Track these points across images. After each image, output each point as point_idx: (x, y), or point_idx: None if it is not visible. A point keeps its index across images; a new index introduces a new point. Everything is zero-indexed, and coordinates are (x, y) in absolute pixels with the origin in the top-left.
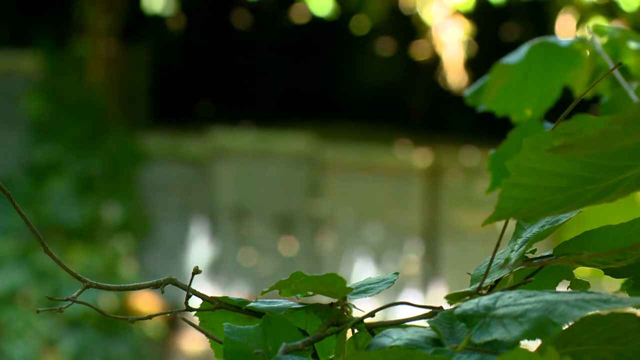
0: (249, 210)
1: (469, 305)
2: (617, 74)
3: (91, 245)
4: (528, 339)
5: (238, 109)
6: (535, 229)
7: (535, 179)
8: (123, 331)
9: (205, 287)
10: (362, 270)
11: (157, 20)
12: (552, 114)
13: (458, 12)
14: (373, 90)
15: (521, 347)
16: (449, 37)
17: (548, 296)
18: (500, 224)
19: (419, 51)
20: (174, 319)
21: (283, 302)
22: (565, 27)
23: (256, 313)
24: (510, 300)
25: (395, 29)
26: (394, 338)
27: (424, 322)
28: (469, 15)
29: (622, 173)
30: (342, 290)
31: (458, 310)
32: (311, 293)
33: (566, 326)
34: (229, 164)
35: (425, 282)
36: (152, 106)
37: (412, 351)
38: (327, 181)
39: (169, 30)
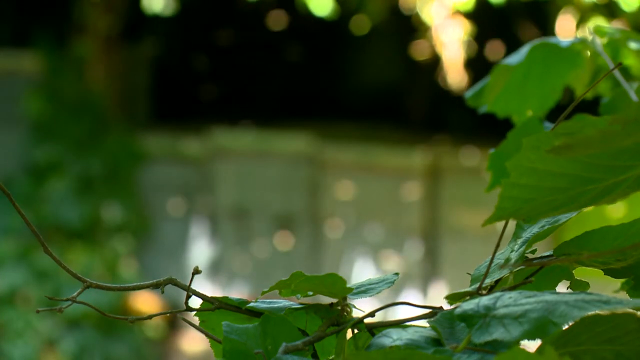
0: (249, 210)
1: (469, 305)
2: (617, 74)
3: (91, 245)
4: (528, 339)
5: (238, 109)
6: (535, 229)
7: (535, 179)
8: (123, 331)
9: (205, 287)
10: (362, 270)
11: (157, 20)
12: (553, 115)
13: (458, 12)
14: (373, 90)
15: (521, 347)
16: (449, 37)
17: (548, 296)
18: (500, 224)
19: (419, 51)
20: (174, 319)
21: (283, 302)
22: (565, 27)
23: (256, 313)
24: (510, 301)
25: (395, 29)
26: (394, 338)
27: (424, 322)
28: (469, 15)
29: (622, 173)
30: (342, 291)
31: (458, 310)
32: (311, 293)
33: (566, 326)
34: (229, 164)
35: (425, 282)
36: (152, 106)
37: (412, 351)
38: (327, 181)
39: (169, 30)
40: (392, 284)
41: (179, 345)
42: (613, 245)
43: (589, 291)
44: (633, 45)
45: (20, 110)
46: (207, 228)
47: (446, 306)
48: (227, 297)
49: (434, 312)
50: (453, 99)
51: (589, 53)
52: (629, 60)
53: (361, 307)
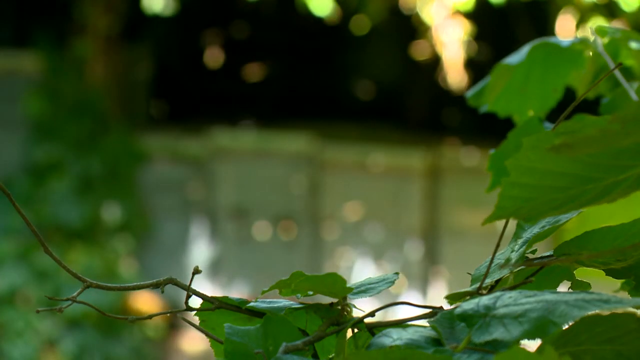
0: (249, 210)
1: (469, 305)
2: (618, 74)
3: (91, 245)
4: (528, 339)
5: (238, 109)
6: (535, 229)
7: (535, 179)
8: (123, 331)
9: (205, 287)
10: (362, 270)
11: (157, 20)
12: (554, 115)
13: (458, 12)
14: (373, 90)
15: (521, 346)
16: (449, 37)
17: (548, 296)
18: (500, 224)
19: (419, 51)
20: (174, 319)
21: (283, 302)
22: (565, 27)
23: (256, 313)
24: (510, 300)
25: (395, 29)
26: (394, 338)
27: (424, 322)
28: (469, 15)
29: (622, 173)
30: (342, 290)
31: (458, 310)
32: (311, 293)
33: (566, 326)
34: (229, 164)
35: (425, 282)
36: (152, 106)
37: (412, 351)
38: (327, 181)
39: (169, 30)
40: (392, 283)
41: (179, 345)
42: (613, 245)
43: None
44: (634, 45)
45: (20, 110)
46: (207, 228)
47: (446, 306)
48: (227, 297)
49: (434, 312)
50: (453, 99)
51: (590, 53)
52: (630, 60)
53: (361, 306)
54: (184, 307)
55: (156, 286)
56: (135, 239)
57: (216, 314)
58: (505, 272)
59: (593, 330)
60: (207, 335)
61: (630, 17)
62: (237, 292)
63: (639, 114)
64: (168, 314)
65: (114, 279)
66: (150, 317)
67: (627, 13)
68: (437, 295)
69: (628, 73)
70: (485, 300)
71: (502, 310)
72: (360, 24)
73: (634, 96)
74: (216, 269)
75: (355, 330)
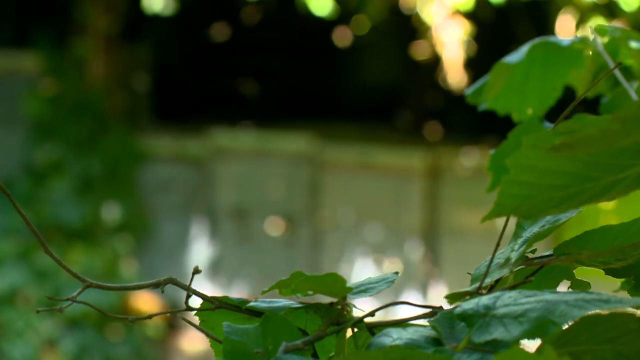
0: (249, 210)
1: (469, 304)
2: (617, 73)
3: (91, 245)
4: (528, 339)
5: (238, 109)
6: (535, 228)
7: (534, 177)
8: (123, 331)
9: (205, 287)
10: (362, 270)
11: (157, 20)
12: (553, 113)
13: (458, 12)
14: (373, 90)
15: (520, 346)
16: (449, 37)
17: (548, 296)
18: (500, 223)
19: (419, 51)
20: (174, 319)
21: (283, 302)
22: (565, 27)
23: (256, 313)
24: (510, 300)
25: (395, 29)
26: (394, 337)
27: (424, 322)
28: (469, 15)
29: (621, 172)
30: (342, 290)
31: (458, 309)
32: (311, 293)
33: (566, 326)
34: (229, 164)
35: (425, 282)
36: (152, 106)
37: (412, 350)
38: (327, 181)
39: (169, 30)
40: (392, 283)
41: (179, 345)
42: (613, 244)
43: (589, 291)
44: (634, 44)
45: (20, 110)
46: (207, 228)
47: (446, 306)
48: (227, 297)
49: (434, 312)
50: (453, 99)
51: (589, 52)
52: (630, 60)
53: (361, 306)
54: (184, 307)
55: (156, 286)
56: (135, 239)
57: (216, 313)
58: (505, 272)
59: (593, 330)
60: (207, 335)
61: (630, 17)
62: (237, 292)
63: (639, 114)
64: (168, 314)
65: (114, 279)
66: (150, 317)
67: (627, 13)
68: (437, 295)
69: (628, 72)
70: (485, 300)
71: (502, 310)
72: (360, 24)
73: (633, 96)
74: (216, 269)
75: (355, 329)
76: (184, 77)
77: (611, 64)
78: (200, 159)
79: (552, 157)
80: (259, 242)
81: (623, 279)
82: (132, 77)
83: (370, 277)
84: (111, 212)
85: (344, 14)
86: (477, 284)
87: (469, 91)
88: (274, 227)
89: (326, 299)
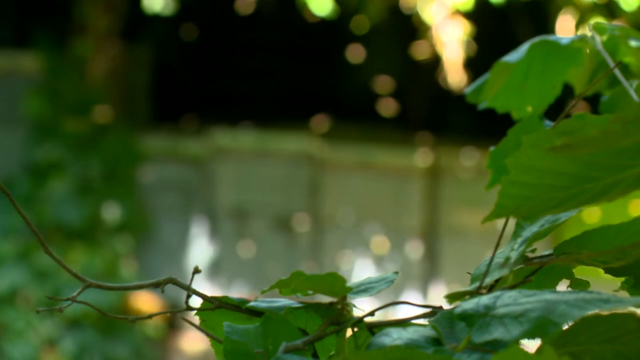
0: (249, 210)
1: (469, 304)
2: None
3: (91, 245)
4: (528, 339)
5: (238, 109)
6: (534, 228)
7: (534, 177)
8: (123, 331)
9: (205, 287)
10: (362, 270)
11: (157, 20)
12: (551, 110)
13: (458, 12)
14: (373, 90)
15: (520, 346)
16: (449, 37)
17: (548, 296)
18: (500, 223)
19: (419, 51)
20: (174, 319)
21: (283, 302)
22: (565, 27)
23: (256, 312)
24: (510, 300)
25: (395, 29)
26: (394, 337)
27: (424, 322)
28: (469, 15)
29: (621, 172)
30: (342, 290)
31: (458, 309)
32: (311, 292)
33: (566, 326)
34: (229, 164)
35: (425, 282)
36: (152, 106)
37: (412, 350)
38: (327, 181)
39: (169, 30)
40: (392, 283)
41: (179, 345)
42: (613, 244)
43: (589, 290)
44: (633, 43)
45: (20, 110)
46: (207, 228)
47: (446, 306)
48: (227, 297)
49: (434, 312)
50: (453, 99)
51: (588, 50)
52: (629, 58)
53: (361, 306)
54: (184, 307)
55: (156, 286)
56: (135, 239)
57: (216, 313)
58: (504, 271)
59: (593, 330)
60: (207, 335)
61: (630, 16)
62: (236, 291)
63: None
64: (168, 314)
65: (114, 279)
66: (150, 317)
67: (627, 13)
68: (437, 295)
69: (627, 71)
70: (485, 299)
71: (502, 310)
72: (360, 24)
73: (633, 94)
74: (216, 269)
75: (355, 329)
76: (184, 77)
77: (610, 62)
78: (200, 159)
79: (552, 158)
80: (259, 242)
81: (622, 278)
82: (132, 77)
83: (370, 277)
84: (111, 212)
85: (344, 14)
86: (477, 284)
87: (468, 90)
88: (273, 227)
89: (326, 299)
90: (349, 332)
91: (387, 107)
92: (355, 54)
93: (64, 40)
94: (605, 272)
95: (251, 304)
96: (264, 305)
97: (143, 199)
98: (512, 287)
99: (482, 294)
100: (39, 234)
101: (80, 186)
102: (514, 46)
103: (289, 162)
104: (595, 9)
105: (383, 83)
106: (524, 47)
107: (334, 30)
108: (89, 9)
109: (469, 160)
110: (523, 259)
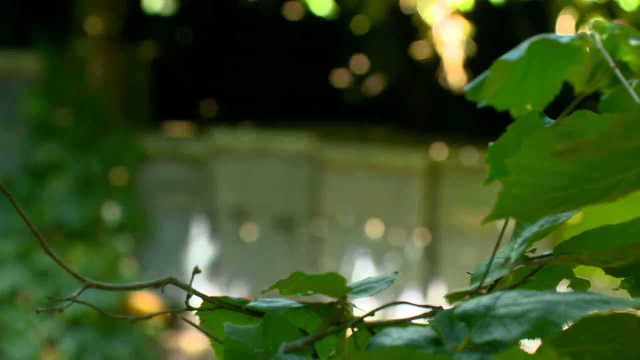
0: (249, 210)
1: (469, 304)
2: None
3: (91, 245)
4: (528, 339)
5: (238, 109)
6: (534, 228)
7: (535, 178)
8: (123, 331)
9: (205, 287)
10: (362, 270)
11: (157, 20)
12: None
13: (458, 11)
14: (373, 90)
15: (520, 347)
16: (449, 37)
17: (548, 296)
18: (500, 223)
19: (419, 51)
20: (174, 319)
21: (283, 302)
22: (565, 27)
23: (256, 312)
24: (510, 300)
25: (395, 29)
26: (394, 337)
27: (424, 322)
28: (468, 14)
29: (622, 172)
30: (342, 290)
31: (458, 309)
32: (311, 292)
33: (566, 326)
34: (229, 164)
35: (425, 282)
36: (152, 106)
37: (412, 350)
38: (327, 181)
39: (169, 30)
40: (392, 282)
41: (179, 345)
42: (613, 244)
43: (589, 290)
44: (633, 41)
45: (20, 110)
46: (207, 228)
47: (446, 306)
48: (227, 297)
49: (434, 312)
50: (453, 99)
51: (588, 49)
52: (629, 57)
53: (361, 306)
54: (184, 307)
55: (156, 286)
56: (135, 239)
57: (216, 313)
58: (504, 271)
59: (593, 330)
60: (207, 335)
61: (630, 16)
62: (236, 291)
63: None
64: (168, 314)
65: (114, 278)
66: (150, 316)
67: (627, 12)
68: (437, 295)
69: (627, 69)
70: (485, 300)
71: (502, 310)
72: (360, 24)
73: (633, 94)
74: (216, 269)
75: (355, 329)
76: (184, 77)
77: (610, 61)
78: (200, 159)
79: (552, 158)
80: (259, 242)
81: (622, 278)
82: (132, 77)
83: (370, 277)
84: (111, 212)
85: (344, 13)
86: (477, 284)
87: (468, 87)
88: (273, 227)
89: (326, 299)
90: (349, 332)
91: (387, 107)
92: (356, 54)
93: (64, 40)
94: (605, 272)
95: (251, 304)
96: (264, 305)
97: (143, 199)
98: (512, 287)
99: (482, 294)
100: (39, 234)
101: (80, 186)
102: (513, 46)
103: (289, 162)
104: (595, 9)
105: (383, 83)
106: (524, 46)
107: (334, 30)
108: (89, 9)
109: (469, 160)
110: (523, 259)
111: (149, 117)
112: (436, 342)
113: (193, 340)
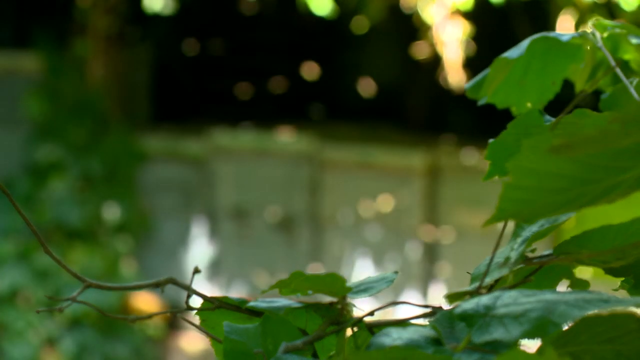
0: (249, 210)
1: (469, 304)
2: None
3: (91, 245)
4: (528, 339)
5: (238, 109)
6: (534, 228)
7: (535, 181)
8: (123, 331)
9: (205, 287)
10: (362, 270)
11: (157, 20)
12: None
13: (458, 11)
14: (373, 90)
15: (521, 347)
16: (449, 37)
17: (548, 296)
18: (500, 223)
19: (419, 51)
20: (174, 319)
21: (283, 302)
22: (565, 27)
23: (256, 312)
24: (510, 300)
25: (395, 29)
26: (393, 337)
27: (424, 322)
28: (468, 14)
29: (622, 174)
30: (341, 289)
31: (458, 309)
32: (311, 292)
33: (566, 326)
34: (229, 164)
35: (425, 282)
36: (152, 106)
37: (412, 350)
38: (327, 181)
39: (169, 30)
40: (392, 282)
41: (179, 345)
42: (613, 244)
43: (589, 290)
44: (633, 40)
45: (20, 110)
46: (206, 228)
47: (446, 306)
48: (227, 297)
49: (434, 312)
50: (453, 99)
51: (588, 47)
52: (629, 55)
53: (361, 306)
54: (184, 307)
55: (156, 286)
56: (135, 239)
57: (216, 313)
58: (504, 271)
59: (593, 330)
60: (207, 334)
61: (630, 16)
62: (236, 291)
63: (639, 115)
64: (168, 314)
65: (114, 279)
66: (150, 317)
67: (627, 12)
68: (437, 295)
69: (627, 68)
70: (485, 299)
71: (502, 310)
72: (360, 24)
73: (633, 92)
74: (216, 269)
75: (355, 329)
76: (184, 77)
77: (610, 59)
78: (200, 159)
79: (553, 160)
80: (259, 242)
81: (622, 278)
82: (132, 77)
83: (370, 277)
84: (111, 212)
85: (344, 14)
86: (477, 284)
87: (468, 85)
88: (273, 227)
89: (326, 299)
90: (349, 332)
91: (387, 107)
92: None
93: (64, 40)
94: (605, 272)
95: (251, 304)
96: (263, 305)
97: (143, 199)
98: (512, 287)
99: (482, 294)
100: (39, 234)
101: (81, 186)
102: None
103: (289, 162)
104: (595, 9)
105: (382, 83)
106: (525, 43)
107: (334, 30)
108: (89, 9)
109: (469, 160)
110: (523, 259)
111: (149, 117)
112: (436, 342)
113: (193, 340)
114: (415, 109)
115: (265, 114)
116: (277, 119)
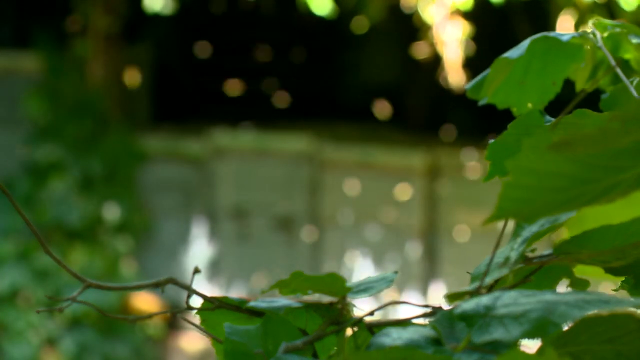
0: (249, 210)
1: (469, 304)
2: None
3: (91, 245)
4: (528, 339)
5: (238, 109)
6: (534, 228)
7: (535, 180)
8: (123, 331)
9: (205, 287)
10: (362, 270)
11: (157, 20)
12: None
13: (458, 11)
14: (373, 91)
15: (521, 347)
16: (449, 37)
17: (548, 296)
18: (500, 223)
19: (419, 51)
20: (174, 319)
21: (283, 302)
22: (565, 27)
23: (256, 312)
24: (510, 300)
25: (395, 29)
26: (393, 337)
27: (424, 322)
28: (468, 14)
29: (622, 173)
30: (341, 289)
31: (458, 309)
32: (311, 292)
33: (566, 326)
34: (229, 164)
35: (425, 282)
36: (152, 106)
37: (412, 350)
38: (327, 181)
39: (169, 30)
40: (392, 282)
41: (179, 345)
42: (613, 244)
43: (588, 290)
44: (634, 39)
45: (20, 110)
46: (206, 228)
47: (446, 306)
48: (227, 297)
49: (433, 312)
50: (453, 99)
51: (589, 47)
52: (630, 55)
53: (361, 306)
54: (184, 307)
55: (156, 286)
56: (135, 239)
57: (216, 313)
58: (504, 271)
59: (593, 331)
60: (207, 335)
61: (630, 16)
62: (236, 291)
63: (639, 113)
64: (168, 314)
65: (114, 279)
66: (150, 317)
67: (627, 12)
68: (437, 295)
69: (628, 67)
70: (485, 300)
71: (502, 310)
72: (360, 24)
73: (633, 92)
74: (216, 269)
75: (355, 329)
76: (184, 77)
77: (611, 59)
78: (200, 159)
79: (552, 159)
80: (259, 242)
81: (622, 278)
82: (132, 77)
83: (370, 277)
84: (111, 212)
85: (343, 13)
86: (477, 284)
87: (469, 85)
88: (273, 227)
89: (326, 299)
90: (349, 332)
91: (387, 107)
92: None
93: (64, 40)
94: (605, 272)
95: (251, 304)
96: (264, 305)
97: (143, 199)
98: (512, 287)
99: (482, 294)
100: (39, 234)
101: (80, 186)
102: (513, 46)
103: (289, 162)
104: (595, 9)
105: (383, 83)
106: (525, 44)
107: (334, 30)
108: (89, 9)
109: (469, 160)
110: (523, 258)
111: (149, 117)
112: (436, 342)
113: (193, 340)
114: (415, 109)
115: (265, 114)
116: (277, 119)
